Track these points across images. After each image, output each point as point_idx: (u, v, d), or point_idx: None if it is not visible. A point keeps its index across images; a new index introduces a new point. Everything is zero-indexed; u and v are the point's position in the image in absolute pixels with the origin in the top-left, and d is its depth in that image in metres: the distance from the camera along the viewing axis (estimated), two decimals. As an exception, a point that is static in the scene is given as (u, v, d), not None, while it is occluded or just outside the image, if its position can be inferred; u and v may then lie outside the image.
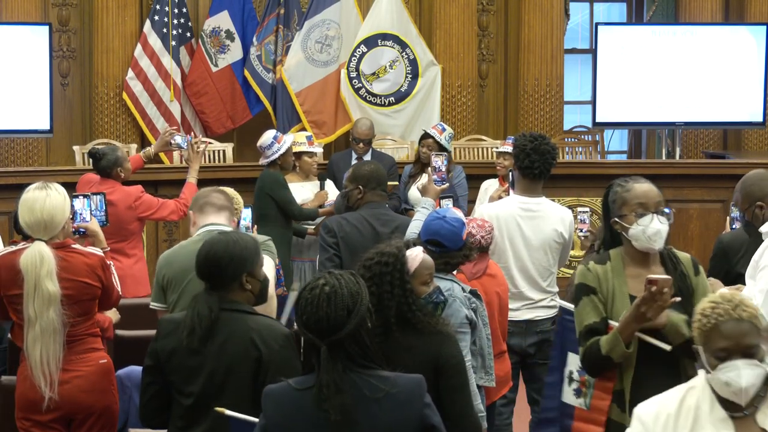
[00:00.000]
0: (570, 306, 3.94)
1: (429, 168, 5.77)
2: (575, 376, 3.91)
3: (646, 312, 3.44)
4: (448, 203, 5.87)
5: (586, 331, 3.62)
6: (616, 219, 3.66)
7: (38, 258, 4.09)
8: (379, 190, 5.26)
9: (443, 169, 5.66)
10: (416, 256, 3.85)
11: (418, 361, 3.46)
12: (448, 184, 5.75)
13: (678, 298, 3.49)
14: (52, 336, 4.10)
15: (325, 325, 2.88)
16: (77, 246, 4.36)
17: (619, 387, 3.59)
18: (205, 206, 4.35)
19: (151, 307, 4.37)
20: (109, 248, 4.91)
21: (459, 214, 4.65)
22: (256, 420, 3.24)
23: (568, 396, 3.94)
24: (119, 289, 4.51)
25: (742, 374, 2.78)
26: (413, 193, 7.65)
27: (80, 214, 4.86)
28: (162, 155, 9.20)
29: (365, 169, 5.30)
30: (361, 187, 5.23)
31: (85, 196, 4.94)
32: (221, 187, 4.54)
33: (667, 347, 3.49)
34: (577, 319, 3.69)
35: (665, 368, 3.55)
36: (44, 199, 4.18)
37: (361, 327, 2.92)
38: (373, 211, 5.21)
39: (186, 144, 6.73)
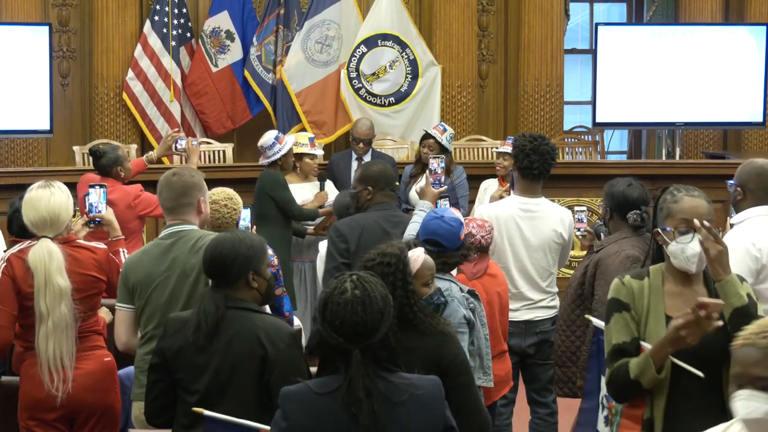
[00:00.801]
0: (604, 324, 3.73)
1: (427, 170, 5.75)
2: (605, 401, 3.62)
3: (687, 336, 3.15)
4: (445, 203, 5.85)
5: (614, 351, 3.35)
6: (659, 230, 3.41)
7: (46, 254, 4.10)
8: (388, 190, 5.23)
9: (439, 172, 5.61)
10: (418, 257, 3.83)
11: (421, 362, 3.46)
12: (445, 187, 5.70)
13: (721, 323, 3.18)
14: (64, 331, 4.10)
15: (361, 330, 2.85)
16: (81, 241, 4.38)
17: (648, 415, 3.32)
18: (162, 208, 4.25)
19: (116, 306, 4.20)
20: (123, 237, 4.92)
21: (458, 214, 4.65)
22: (234, 420, 3.24)
23: (600, 424, 3.66)
24: None
25: (748, 405, 2.50)
26: (414, 193, 7.65)
27: (95, 205, 4.88)
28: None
29: (374, 170, 5.28)
30: (370, 187, 5.20)
31: (101, 186, 4.96)
32: (177, 170, 4.28)
33: (700, 374, 3.22)
34: (606, 337, 3.41)
35: (704, 395, 3.28)
36: (48, 198, 4.19)
37: (389, 330, 2.92)
38: (383, 212, 5.18)
39: (184, 143, 6.80)
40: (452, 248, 4.38)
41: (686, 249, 3.34)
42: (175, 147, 6.85)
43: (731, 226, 5.51)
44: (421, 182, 6.38)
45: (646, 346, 3.30)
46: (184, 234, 4.08)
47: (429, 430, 2.93)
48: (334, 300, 2.88)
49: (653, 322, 3.34)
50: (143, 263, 4.11)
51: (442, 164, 5.67)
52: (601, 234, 5.54)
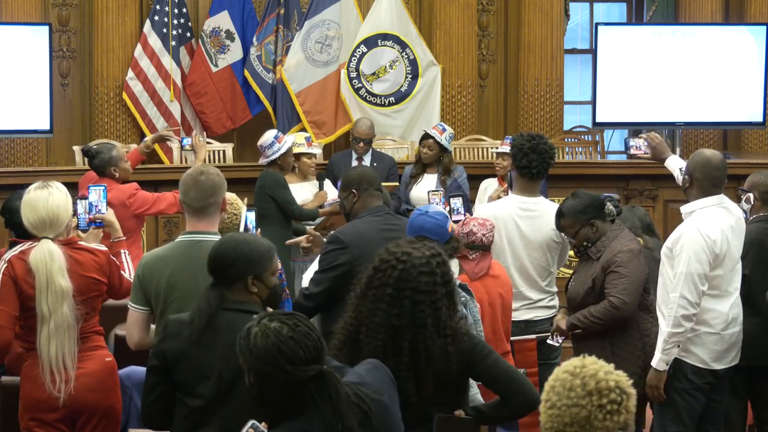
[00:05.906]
0: None
1: (447, 210, 5.70)
2: None
3: None
4: (456, 201, 5.83)
5: None
6: None
7: (48, 255, 4.09)
8: (372, 190, 4.96)
9: (462, 211, 5.64)
10: None
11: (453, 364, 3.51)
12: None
13: None
14: (66, 332, 4.10)
15: (321, 347, 2.84)
16: (83, 243, 4.37)
17: None
18: (184, 209, 4.16)
19: (129, 305, 4.11)
20: (125, 238, 4.91)
21: (446, 211, 4.64)
22: None
23: None
24: (132, 277, 4.45)
25: None
26: (414, 193, 7.66)
27: (95, 205, 4.86)
28: (162, 155, 9.22)
29: (353, 173, 5.02)
30: (354, 191, 4.92)
31: (101, 186, 4.94)
32: (202, 169, 4.18)
33: None
34: None
35: None
36: (47, 198, 4.18)
37: None
38: (383, 217, 4.89)
39: (190, 141, 6.82)
40: (441, 242, 4.35)
41: None
42: (182, 145, 6.84)
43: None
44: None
45: None
46: (210, 245, 3.86)
47: None
48: (284, 336, 2.80)
49: None
50: (165, 271, 4.01)
51: (443, 198, 5.68)
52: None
